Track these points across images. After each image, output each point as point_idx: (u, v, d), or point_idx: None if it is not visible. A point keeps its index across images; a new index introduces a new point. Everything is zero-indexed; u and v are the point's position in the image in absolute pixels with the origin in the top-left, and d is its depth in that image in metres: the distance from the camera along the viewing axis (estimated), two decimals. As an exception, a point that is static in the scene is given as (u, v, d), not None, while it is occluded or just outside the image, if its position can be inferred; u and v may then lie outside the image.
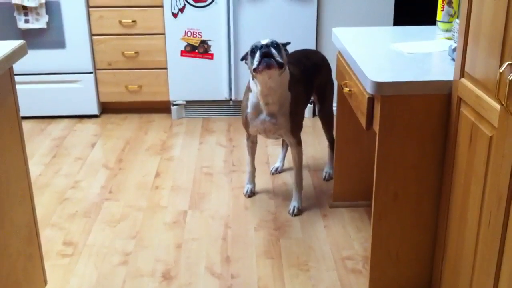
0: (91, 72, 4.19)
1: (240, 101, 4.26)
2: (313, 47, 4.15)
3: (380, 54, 2.36)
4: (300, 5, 4.06)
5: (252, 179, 3.21)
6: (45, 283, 2.31)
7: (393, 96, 2.02)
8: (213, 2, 4.02)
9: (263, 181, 3.34)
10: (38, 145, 3.87)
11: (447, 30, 2.73)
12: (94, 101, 4.26)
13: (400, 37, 2.63)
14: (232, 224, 2.91)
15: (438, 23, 2.75)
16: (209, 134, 4.06)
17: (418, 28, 2.84)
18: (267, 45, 2.64)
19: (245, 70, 4.19)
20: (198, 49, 4.14)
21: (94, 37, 4.13)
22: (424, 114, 2.05)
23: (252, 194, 3.19)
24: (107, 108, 4.42)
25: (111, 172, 3.48)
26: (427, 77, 2.06)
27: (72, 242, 2.78)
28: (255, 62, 2.64)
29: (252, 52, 2.68)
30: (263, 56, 2.62)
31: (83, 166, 3.56)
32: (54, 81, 4.20)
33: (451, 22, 2.72)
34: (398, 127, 2.06)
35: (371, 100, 2.12)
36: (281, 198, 3.17)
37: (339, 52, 2.69)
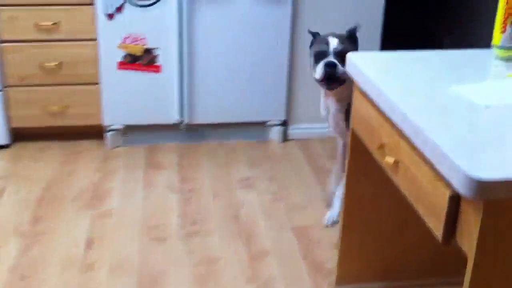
0: (-2, 89, 3.18)
1: (195, 124, 3.38)
2: (286, 55, 3.29)
3: (443, 108, 1.53)
4: (272, 5, 3.18)
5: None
6: None
7: (506, 201, 1.20)
8: (161, 0, 3.09)
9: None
10: None
11: (508, 59, 1.93)
12: (2, 127, 3.25)
13: (446, 71, 1.81)
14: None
15: (496, 49, 1.95)
16: (156, 171, 3.14)
17: (458, 53, 2.03)
18: (333, 64, 2.40)
19: (202, 87, 3.30)
20: (141, 59, 3.20)
21: (2, 45, 3.11)
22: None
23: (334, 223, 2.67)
24: (20, 136, 3.38)
25: (24, 241, 2.50)
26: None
27: None
28: (318, 74, 2.45)
29: (316, 58, 2.46)
30: (326, 74, 2.42)
31: (-15, 228, 2.58)
32: None
33: (514, 48, 1.93)
34: (508, 248, 1.24)
35: (455, 200, 1.29)
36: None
37: (363, 93, 1.84)
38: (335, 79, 2.42)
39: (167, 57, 3.21)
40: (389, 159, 1.59)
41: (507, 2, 1.88)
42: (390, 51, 2.00)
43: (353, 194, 2.10)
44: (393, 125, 1.59)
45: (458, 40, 4.52)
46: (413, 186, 1.48)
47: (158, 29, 3.14)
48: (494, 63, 1.93)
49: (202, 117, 3.37)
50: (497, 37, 1.93)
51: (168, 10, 3.11)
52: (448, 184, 1.29)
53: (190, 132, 3.43)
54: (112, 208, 2.78)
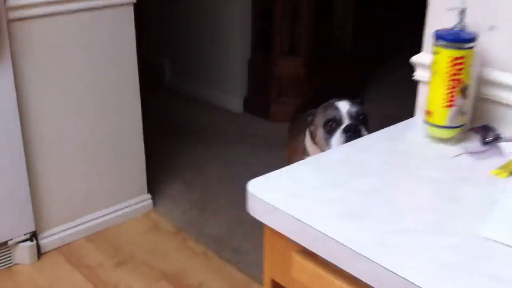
0: None
1: None
2: (18, 139, 2.23)
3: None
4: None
5: None
6: None
7: None
8: None
9: None
10: None
11: (453, 140, 1.37)
12: None
13: (415, 186, 1.17)
14: None
15: (438, 130, 1.36)
16: None
17: (374, 140, 1.41)
18: (355, 127, 2.02)
19: None
20: None
21: None
22: None
23: None
24: None
25: None
26: None
27: None
28: (335, 142, 2.03)
29: (328, 129, 2.06)
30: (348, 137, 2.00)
31: None
32: None
33: (462, 126, 1.36)
34: None
35: None
36: None
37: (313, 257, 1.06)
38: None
39: None
40: None
41: (451, 66, 1.29)
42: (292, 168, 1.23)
43: None
44: None
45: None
46: None
47: None
48: (443, 150, 1.35)
49: None
50: (440, 114, 1.34)
51: None
52: None
53: None
54: None
